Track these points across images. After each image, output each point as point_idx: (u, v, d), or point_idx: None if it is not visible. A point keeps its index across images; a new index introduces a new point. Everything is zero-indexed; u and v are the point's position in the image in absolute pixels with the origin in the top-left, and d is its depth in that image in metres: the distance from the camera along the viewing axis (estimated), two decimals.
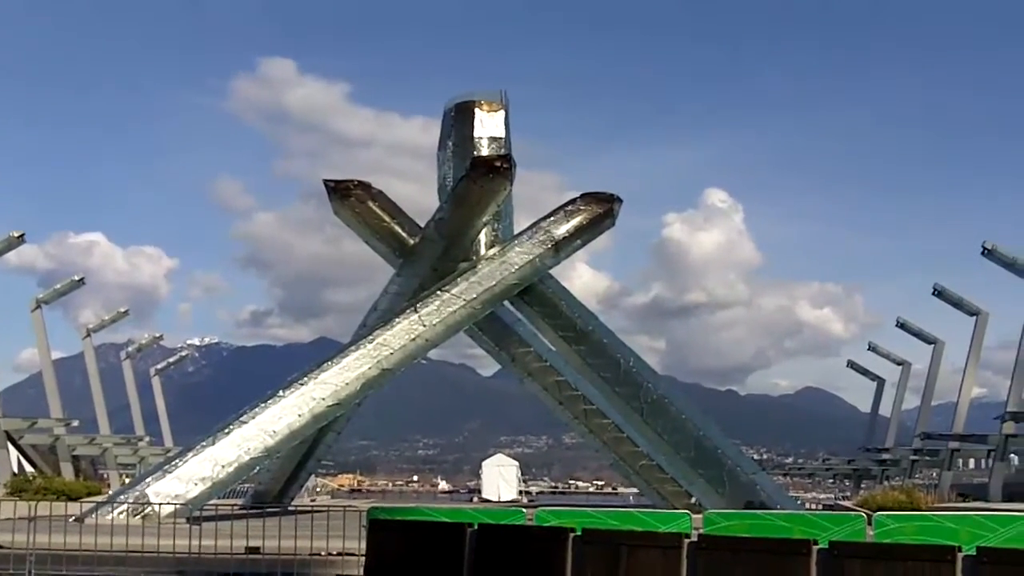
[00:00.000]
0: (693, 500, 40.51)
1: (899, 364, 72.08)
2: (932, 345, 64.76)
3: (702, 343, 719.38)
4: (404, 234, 44.58)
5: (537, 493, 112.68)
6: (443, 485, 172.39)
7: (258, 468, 41.49)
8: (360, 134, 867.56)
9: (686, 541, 10.86)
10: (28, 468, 53.43)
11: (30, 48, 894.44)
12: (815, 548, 10.02)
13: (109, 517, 29.35)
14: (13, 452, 52.50)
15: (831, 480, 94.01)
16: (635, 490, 59.41)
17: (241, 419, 36.95)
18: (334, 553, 19.83)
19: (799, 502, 54.10)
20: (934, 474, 63.33)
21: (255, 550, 19.94)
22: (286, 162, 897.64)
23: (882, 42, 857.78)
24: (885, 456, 68.00)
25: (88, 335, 64.75)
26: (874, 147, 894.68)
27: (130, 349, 73.43)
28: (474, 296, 40.73)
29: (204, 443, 36.45)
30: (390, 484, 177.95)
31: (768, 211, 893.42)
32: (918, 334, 64.97)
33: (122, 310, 69.25)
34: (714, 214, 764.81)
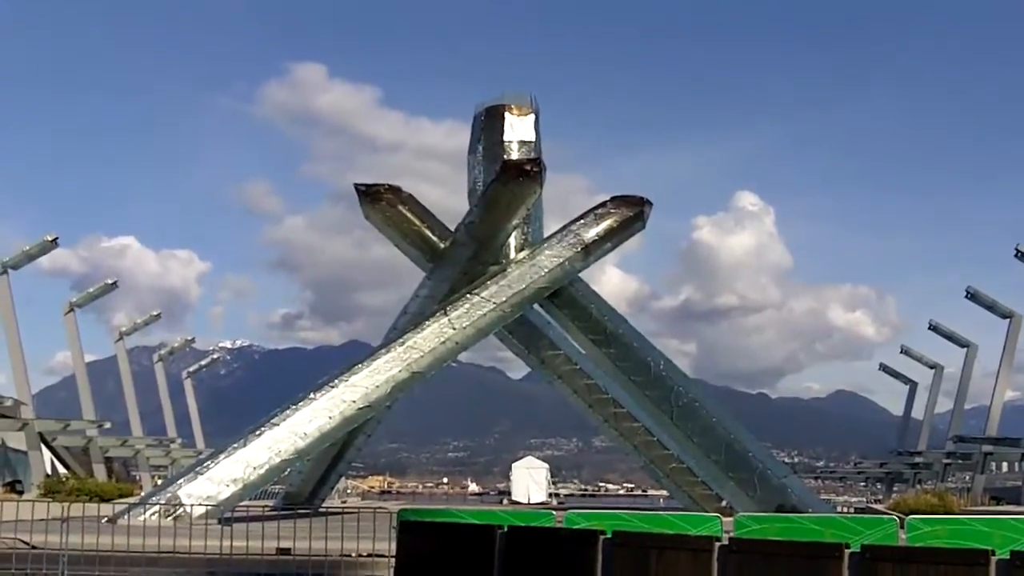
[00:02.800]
0: (724, 503, 40.40)
1: (932, 367, 71.55)
2: (965, 348, 64.23)
3: (733, 346, 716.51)
4: (434, 238, 44.65)
5: (567, 495, 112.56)
6: (473, 487, 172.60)
7: (289, 470, 41.75)
8: (389, 138, 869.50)
9: (717, 544, 10.83)
10: (61, 470, 53.87)
11: (61, 53, 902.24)
12: (847, 552, 9.96)
13: (141, 518, 29.63)
14: (47, 454, 52.93)
15: (863, 483, 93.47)
16: (665, 493, 59.27)
17: (272, 421, 37.12)
18: (364, 555, 19.89)
19: (831, 505, 53.81)
20: (967, 478, 62.89)
21: (286, 551, 20.03)
22: (315, 166, 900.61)
23: (913, 40, 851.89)
24: (918, 459, 67.51)
25: (121, 338, 65.18)
26: (907, 148, 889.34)
27: (162, 352, 73.89)
28: (504, 299, 40.73)
29: (235, 445, 36.63)
30: (420, 486, 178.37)
31: (799, 213, 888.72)
32: (951, 337, 64.49)
33: (154, 313, 69.69)
34: (745, 217, 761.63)
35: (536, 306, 43.58)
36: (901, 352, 74.77)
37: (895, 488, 72.42)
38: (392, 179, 46.15)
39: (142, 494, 43.63)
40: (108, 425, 57.58)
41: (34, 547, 20.28)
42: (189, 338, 79.08)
